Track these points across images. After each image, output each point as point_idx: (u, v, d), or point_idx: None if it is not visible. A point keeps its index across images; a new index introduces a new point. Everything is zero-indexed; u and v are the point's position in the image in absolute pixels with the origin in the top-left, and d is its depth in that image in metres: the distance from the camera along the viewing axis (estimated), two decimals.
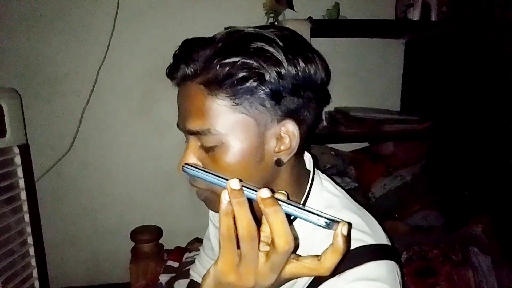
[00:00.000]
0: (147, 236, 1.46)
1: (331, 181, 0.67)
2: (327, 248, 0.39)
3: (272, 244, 0.39)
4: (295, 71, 0.53)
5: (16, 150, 1.26)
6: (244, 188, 0.38)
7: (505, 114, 1.23)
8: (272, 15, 1.45)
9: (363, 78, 1.64)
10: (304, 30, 1.21)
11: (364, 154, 1.57)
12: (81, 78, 1.49)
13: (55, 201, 1.57)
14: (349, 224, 0.39)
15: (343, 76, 1.58)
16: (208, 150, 0.54)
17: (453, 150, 1.43)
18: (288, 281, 0.44)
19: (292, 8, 1.46)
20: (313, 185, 0.63)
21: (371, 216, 0.64)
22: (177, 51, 0.56)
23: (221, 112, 0.52)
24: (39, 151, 1.46)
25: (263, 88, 0.51)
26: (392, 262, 0.56)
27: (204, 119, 0.52)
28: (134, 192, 1.62)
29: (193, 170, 0.49)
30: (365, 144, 1.62)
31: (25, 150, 1.30)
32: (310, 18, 1.29)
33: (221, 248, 0.41)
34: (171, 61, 0.57)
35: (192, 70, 0.53)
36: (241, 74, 0.50)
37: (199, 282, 0.88)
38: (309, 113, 0.57)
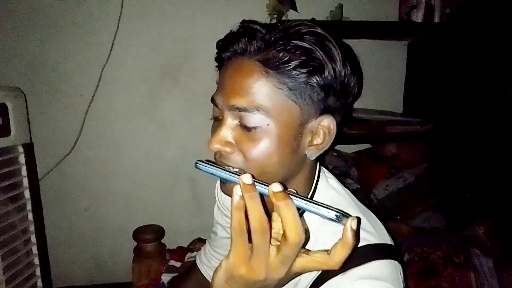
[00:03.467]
0: (149, 235, 1.47)
1: (336, 180, 0.68)
2: (336, 243, 0.40)
3: (283, 236, 0.39)
4: (344, 75, 0.54)
5: (21, 149, 1.27)
6: (255, 183, 0.39)
7: (507, 116, 1.23)
8: (275, 16, 1.45)
9: (366, 79, 1.62)
10: None
11: (366, 156, 1.57)
12: (85, 78, 1.50)
13: (59, 200, 1.58)
14: (358, 219, 0.40)
15: None
16: (249, 129, 0.53)
17: (455, 152, 1.43)
18: (298, 275, 0.44)
19: (295, 9, 1.46)
20: (319, 183, 0.64)
21: (375, 216, 0.64)
22: (239, 27, 0.56)
23: (273, 94, 0.52)
24: (43, 150, 1.47)
25: (318, 80, 0.52)
26: (396, 261, 0.56)
27: (255, 97, 0.52)
28: (137, 191, 1.63)
29: (206, 166, 0.49)
30: (368, 146, 1.62)
31: (29, 149, 1.31)
32: (313, 20, 1.29)
33: (233, 241, 0.41)
34: (228, 34, 0.57)
35: (255, 46, 0.53)
36: (301, 61, 0.51)
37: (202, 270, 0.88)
38: (339, 118, 0.58)
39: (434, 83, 1.50)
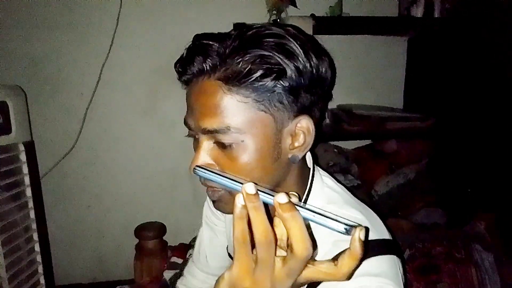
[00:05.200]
0: (151, 233, 1.47)
1: (331, 177, 0.67)
2: (343, 253, 0.38)
3: (290, 249, 0.37)
4: (310, 67, 0.52)
5: (21, 147, 1.27)
6: (259, 192, 0.37)
7: (508, 111, 1.23)
8: (274, 12, 1.45)
9: (366, 75, 1.63)
10: (307, 27, 1.20)
11: (367, 152, 1.57)
12: (85, 76, 1.50)
13: (60, 198, 1.59)
14: (367, 229, 0.38)
15: (345, 73, 1.57)
16: (224, 148, 0.53)
17: (456, 148, 1.43)
18: (302, 285, 0.42)
19: (295, 5, 1.46)
20: (313, 182, 0.63)
21: (372, 212, 0.64)
22: (191, 45, 0.55)
23: (241, 110, 0.51)
24: (44, 149, 1.47)
25: (283, 84, 0.51)
26: (394, 256, 0.56)
27: (223, 116, 0.51)
28: (138, 189, 1.63)
29: (205, 173, 0.47)
30: (368, 142, 1.62)
31: (30, 147, 1.31)
32: (312, 15, 1.29)
33: (236, 253, 0.39)
34: (183, 55, 0.55)
35: (210, 65, 0.52)
36: (262, 71, 0.50)
37: None
38: (317, 110, 0.57)
39: (434, 79, 1.49)
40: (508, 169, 1.24)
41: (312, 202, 0.62)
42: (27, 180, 1.30)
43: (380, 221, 0.62)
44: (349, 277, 0.38)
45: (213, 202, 0.60)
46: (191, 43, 0.55)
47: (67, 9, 1.45)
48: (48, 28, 1.45)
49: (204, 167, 0.49)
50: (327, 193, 0.64)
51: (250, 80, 0.50)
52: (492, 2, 1.29)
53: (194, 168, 0.48)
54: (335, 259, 0.39)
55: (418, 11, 1.39)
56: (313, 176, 0.64)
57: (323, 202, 0.61)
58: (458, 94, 1.40)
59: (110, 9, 1.45)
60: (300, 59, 0.51)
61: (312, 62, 0.53)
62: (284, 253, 0.40)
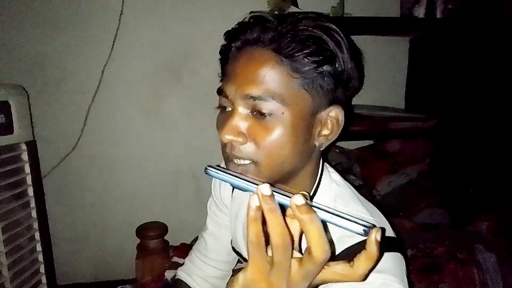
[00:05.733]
0: (153, 232, 1.47)
1: (338, 174, 0.68)
2: (360, 254, 0.37)
3: (307, 252, 0.37)
4: (351, 66, 0.56)
5: (24, 147, 1.27)
6: (274, 193, 0.36)
7: (510, 112, 1.23)
8: (276, 12, 1.45)
9: (368, 75, 1.63)
10: None
11: (369, 152, 1.57)
12: (87, 76, 1.50)
13: (62, 197, 1.59)
14: (383, 230, 0.37)
15: None
16: (263, 118, 0.53)
17: (458, 148, 1.43)
18: (317, 287, 0.42)
19: (297, 6, 1.46)
20: (322, 177, 0.64)
21: (377, 210, 0.64)
22: (250, 18, 0.57)
23: (287, 82, 0.52)
24: (46, 148, 1.47)
25: (329, 70, 0.53)
26: (399, 254, 0.56)
27: (269, 85, 0.52)
28: (140, 188, 1.63)
29: (217, 173, 0.45)
30: (370, 142, 1.62)
31: (32, 147, 1.32)
32: None
33: (251, 255, 0.38)
34: (239, 23, 0.58)
35: (268, 36, 0.54)
36: (313, 49, 0.52)
37: (188, 282, 0.88)
38: (345, 107, 0.59)
39: (437, 79, 1.49)
40: (510, 169, 1.24)
41: (320, 197, 0.62)
42: (29, 179, 1.30)
43: (385, 219, 0.62)
44: (365, 278, 0.38)
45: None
46: (248, 15, 0.58)
47: (70, 8, 1.45)
48: (50, 28, 1.45)
49: (216, 166, 0.47)
50: (334, 189, 0.64)
51: (302, 56, 0.52)
52: (494, 3, 1.29)
53: (206, 168, 0.47)
54: (350, 260, 0.38)
55: (420, 11, 1.39)
56: (322, 171, 0.64)
57: (330, 197, 0.62)
58: (460, 94, 1.39)
59: (112, 8, 1.45)
60: (346, 55, 0.55)
61: (352, 64, 0.56)
62: (297, 254, 0.39)
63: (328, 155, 1.44)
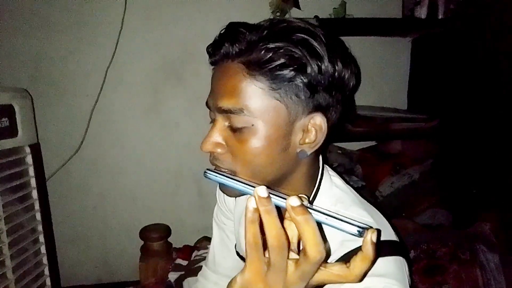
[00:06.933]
0: (156, 234, 1.48)
1: (340, 177, 0.68)
2: (356, 255, 0.38)
3: (303, 252, 0.38)
4: (333, 70, 0.54)
5: (28, 150, 1.28)
6: (271, 195, 0.37)
7: None
8: (278, 14, 1.45)
9: (370, 76, 1.63)
10: None
11: (371, 153, 1.57)
12: (90, 78, 1.51)
13: (66, 199, 1.59)
14: (378, 231, 0.38)
15: None
16: (235, 130, 0.55)
17: (460, 148, 1.42)
18: None
19: (298, 7, 1.46)
20: (322, 180, 0.64)
21: (379, 213, 0.64)
22: (223, 30, 0.57)
23: (257, 94, 0.53)
24: (50, 150, 1.48)
25: (302, 78, 0.53)
26: (401, 258, 0.56)
27: (239, 98, 0.54)
28: (143, 190, 1.64)
29: (216, 176, 0.46)
30: (373, 143, 1.62)
31: (36, 150, 1.32)
32: (316, 17, 1.29)
33: (248, 256, 0.39)
34: (216, 38, 0.58)
35: (236, 49, 0.54)
36: (282, 60, 0.52)
37: None
38: (335, 114, 0.59)
39: (439, 80, 1.49)
40: None
41: (319, 201, 0.62)
42: (33, 182, 1.30)
43: (387, 222, 0.62)
44: (361, 279, 0.39)
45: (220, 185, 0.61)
46: (224, 28, 0.58)
47: (72, 11, 1.46)
48: (53, 31, 1.46)
49: (215, 170, 0.49)
50: (335, 193, 0.64)
51: (269, 67, 0.52)
52: (496, 3, 1.29)
53: (205, 172, 0.48)
54: (347, 261, 0.39)
55: (422, 12, 1.39)
56: (322, 175, 0.64)
57: (331, 201, 0.62)
58: (462, 95, 1.39)
59: (115, 10, 1.46)
60: (323, 59, 0.53)
61: (336, 66, 0.55)
62: (295, 255, 0.40)
63: (330, 156, 1.45)
